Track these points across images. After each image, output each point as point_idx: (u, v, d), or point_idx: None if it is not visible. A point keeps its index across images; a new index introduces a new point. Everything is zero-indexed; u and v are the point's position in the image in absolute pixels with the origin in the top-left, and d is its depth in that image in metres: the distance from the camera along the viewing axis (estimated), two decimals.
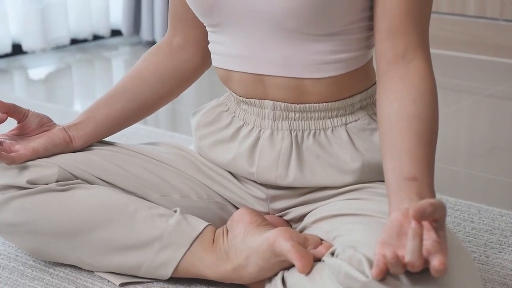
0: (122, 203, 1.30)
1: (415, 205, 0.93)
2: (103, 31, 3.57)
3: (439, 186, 1.17)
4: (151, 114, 1.47)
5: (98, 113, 1.39)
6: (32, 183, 1.31)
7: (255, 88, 1.28)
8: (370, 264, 1.00)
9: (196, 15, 1.29)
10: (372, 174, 1.27)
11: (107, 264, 1.31)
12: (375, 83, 1.30)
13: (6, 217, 1.32)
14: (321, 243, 1.20)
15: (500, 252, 1.48)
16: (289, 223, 1.35)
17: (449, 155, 2.11)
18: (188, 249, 1.27)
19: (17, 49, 3.28)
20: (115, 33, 3.64)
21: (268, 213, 1.36)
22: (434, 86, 1.16)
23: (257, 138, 1.30)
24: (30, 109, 1.37)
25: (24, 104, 1.48)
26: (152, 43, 3.46)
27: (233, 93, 1.33)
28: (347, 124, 1.28)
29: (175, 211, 1.32)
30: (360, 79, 1.28)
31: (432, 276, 0.95)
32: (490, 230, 1.57)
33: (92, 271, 1.36)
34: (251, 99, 1.30)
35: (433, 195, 1.06)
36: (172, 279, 1.31)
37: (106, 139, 1.44)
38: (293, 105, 1.27)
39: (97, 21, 3.54)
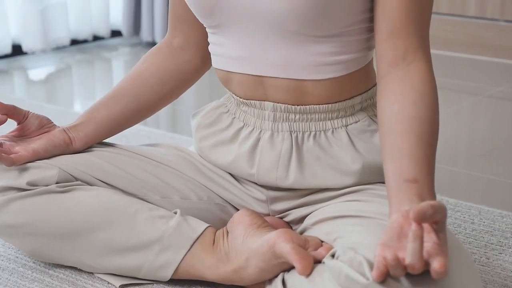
0: (122, 204, 1.30)
1: (416, 207, 0.93)
2: (103, 31, 3.57)
3: (439, 187, 1.17)
4: (151, 115, 1.47)
5: (98, 115, 1.39)
6: (32, 184, 1.31)
7: (255, 89, 1.28)
8: (371, 266, 1.00)
9: (196, 16, 1.29)
10: (373, 176, 1.27)
11: (107, 265, 1.31)
12: (376, 84, 1.30)
13: (6, 219, 1.32)
14: (322, 245, 1.20)
15: (501, 253, 1.48)
16: (289, 224, 1.35)
17: (449, 156, 2.11)
18: (188, 250, 1.27)
19: (17, 50, 3.28)
20: (115, 33, 3.64)
21: (268, 215, 1.36)
22: (434, 87, 1.16)
23: (257, 140, 1.30)
24: (30, 111, 1.37)
25: (24, 105, 1.48)
26: (152, 43, 3.46)
27: (233, 95, 1.33)
28: (347, 125, 1.28)
29: (175, 213, 1.31)
30: (361, 81, 1.28)
31: (433, 278, 0.94)
32: (491, 232, 1.57)
33: (92, 273, 1.36)
34: (251, 101, 1.30)
35: (433, 197, 1.06)
36: (172, 281, 1.31)
37: (106, 140, 1.43)
38: (293, 107, 1.27)
39: (97, 21, 3.54)
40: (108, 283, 1.33)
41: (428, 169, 1.08)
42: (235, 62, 1.27)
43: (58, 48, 3.43)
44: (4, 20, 3.19)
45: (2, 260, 1.43)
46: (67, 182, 1.32)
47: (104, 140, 1.43)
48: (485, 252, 1.48)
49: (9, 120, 1.34)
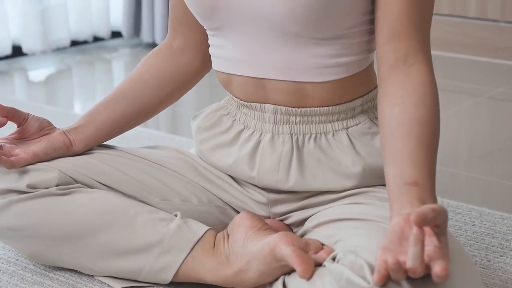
0: (122, 207, 1.30)
1: (417, 210, 0.93)
2: (103, 32, 3.57)
3: (439, 189, 1.17)
4: (151, 118, 1.47)
5: (98, 117, 1.39)
6: (32, 187, 1.30)
7: (255, 92, 1.28)
8: (372, 269, 1.00)
9: (197, 18, 1.29)
10: (373, 178, 1.27)
11: (108, 268, 1.31)
12: (376, 86, 1.30)
13: (6, 221, 1.31)
14: (322, 248, 1.19)
15: (502, 256, 1.47)
16: (290, 227, 1.35)
17: (450, 157, 2.11)
18: (189, 253, 1.27)
19: (17, 51, 3.28)
20: (115, 34, 3.64)
21: (269, 217, 1.36)
22: (435, 90, 1.16)
23: (258, 142, 1.30)
24: (30, 113, 1.37)
25: (24, 106, 1.48)
26: (153, 44, 3.46)
27: (234, 97, 1.33)
28: (348, 128, 1.28)
29: (176, 215, 1.31)
30: (361, 83, 1.28)
31: (434, 282, 0.94)
32: (492, 234, 1.57)
33: (92, 276, 1.36)
34: (251, 103, 1.29)
35: (434, 200, 1.06)
36: (172, 284, 1.30)
37: (106, 142, 1.43)
38: (294, 109, 1.26)
39: (97, 22, 3.54)
40: (109, 286, 1.33)
41: (429, 172, 1.08)
42: (236, 64, 1.27)
43: (58, 49, 3.43)
44: (4, 21, 3.19)
45: (2, 263, 1.43)
46: (67, 185, 1.32)
47: (104, 142, 1.43)
48: (486, 255, 1.48)
49: (9, 122, 1.34)
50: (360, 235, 1.12)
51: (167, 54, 1.43)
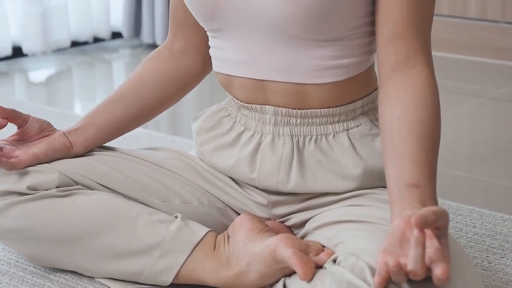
0: (122, 209, 1.30)
1: (418, 213, 0.92)
2: (104, 33, 3.57)
3: (440, 190, 1.17)
4: (152, 119, 1.46)
5: (98, 119, 1.39)
6: (33, 189, 1.30)
7: (256, 93, 1.28)
8: (372, 272, 0.99)
9: (197, 20, 1.29)
10: (374, 180, 1.27)
11: (108, 270, 1.31)
12: (377, 88, 1.29)
13: (6, 223, 1.31)
14: (323, 250, 1.19)
15: (503, 257, 1.47)
16: (290, 229, 1.35)
17: (450, 159, 2.10)
18: (189, 255, 1.26)
19: (17, 52, 3.28)
20: (116, 35, 3.64)
21: (269, 219, 1.36)
22: (436, 91, 1.15)
23: (258, 144, 1.30)
24: (30, 114, 1.37)
25: (24, 107, 1.48)
26: (153, 45, 3.46)
27: (234, 98, 1.33)
28: (348, 129, 1.28)
29: (176, 217, 1.31)
30: (362, 85, 1.28)
31: (435, 284, 0.94)
32: (492, 235, 1.56)
33: (92, 277, 1.36)
34: (252, 105, 1.29)
35: (435, 202, 1.05)
36: (173, 286, 1.30)
37: (106, 144, 1.43)
38: (294, 111, 1.26)
39: (97, 23, 3.54)
40: (109, 287, 1.33)
41: (430, 174, 1.08)
42: (236, 66, 1.27)
43: (59, 50, 3.43)
44: (4, 22, 3.19)
45: (3, 265, 1.43)
46: (68, 186, 1.32)
47: (104, 144, 1.43)
48: (487, 256, 1.47)
49: (9, 124, 1.34)
50: (361, 237, 1.12)
51: (168, 56, 1.43)
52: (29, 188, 1.30)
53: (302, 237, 1.29)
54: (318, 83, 1.23)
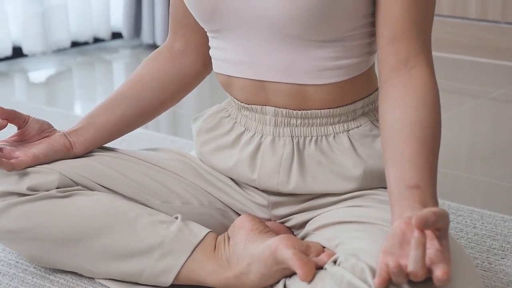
0: (122, 209, 1.30)
1: (418, 214, 0.92)
2: (104, 33, 3.56)
3: (440, 191, 1.17)
4: (152, 120, 1.46)
5: (98, 119, 1.39)
6: (33, 189, 1.30)
7: (256, 94, 1.28)
8: (373, 273, 0.99)
9: (197, 20, 1.29)
10: (374, 181, 1.27)
11: (108, 271, 1.31)
12: (377, 89, 1.29)
13: (6, 224, 1.31)
14: (323, 251, 1.19)
15: (503, 258, 1.47)
16: (290, 230, 1.35)
17: (451, 159, 2.10)
18: (189, 256, 1.26)
19: (17, 52, 3.28)
20: (116, 35, 3.64)
21: (269, 220, 1.36)
22: (436, 92, 1.15)
23: (259, 145, 1.30)
24: (30, 114, 1.37)
25: (24, 108, 1.48)
26: (153, 45, 3.46)
27: (234, 99, 1.33)
28: (349, 130, 1.28)
29: (176, 218, 1.31)
30: (362, 85, 1.28)
31: (435, 285, 0.94)
32: (493, 236, 1.56)
33: (93, 278, 1.35)
34: (252, 105, 1.29)
35: (435, 202, 1.05)
36: (173, 286, 1.30)
37: (107, 144, 1.43)
38: (294, 111, 1.26)
39: (97, 23, 3.54)
40: None
41: (430, 175, 1.08)
42: (236, 67, 1.27)
43: (59, 50, 3.43)
44: (4, 22, 3.19)
45: (3, 265, 1.42)
46: (68, 187, 1.32)
47: (104, 145, 1.43)
48: (487, 257, 1.47)
49: (9, 124, 1.34)
50: (361, 238, 1.12)
51: (168, 56, 1.43)
52: (29, 189, 1.30)
53: (303, 238, 1.29)
54: (318, 83, 1.23)
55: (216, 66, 1.32)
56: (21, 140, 1.35)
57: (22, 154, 1.32)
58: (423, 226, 0.91)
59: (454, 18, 3.26)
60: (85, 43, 3.54)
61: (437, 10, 3.23)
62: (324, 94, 1.24)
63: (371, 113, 1.29)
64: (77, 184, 1.33)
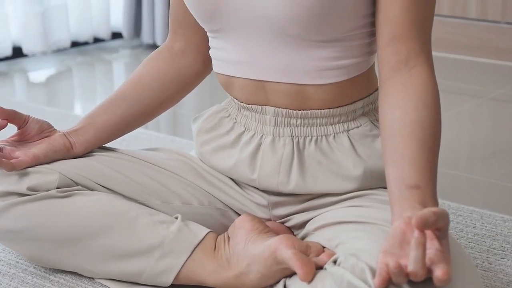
0: (122, 209, 1.30)
1: (418, 214, 0.92)
2: (104, 33, 3.56)
3: (440, 191, 1.17)
4: (152, 120, 1.46)
5: (98, 119, 1.39)
6: (33, 189, 1.30)
7: (256, 94, 1.28)
8: (373, 273, 0.99)
9: (197, 20, 1.29)
10: (374, 181, 1.27)
11: (108, 271, 1.31)
12: (377, 89, 1.29)
13: (6, 224, 1.31)
14: (323, 251, 1.19)
15: (503, 258, 1.47)
16: (290, 230, 1.35)
17: (451, 159, 2.10)
18: (189, 256, 1.26)
19: (17, 52, 3.28)
20: (116, 35, 3.64)
21: (269, 220, 1.36)
22: (436, 92, 1.15)
23: (259, 145, 1.30)
24: (30, 114, 1.37)
25: (24, 108, 1.48)
26: (153, 45, 3.46)
27: (234, 99, 1.33)
28: (349, 130, 1.28)
29: (176, 218, 1.31)
30: (362, 85, 1.28)
31: (435, 285, 0.94)
32: (493, 236, 1.56)
33: (93, 278, 1.35)
34: (252, 105, 1.29)
35: (435, 203, 1.05)
36: (173, 286, 1.30)
37: (107, 144, 1.43)
38: (294, 111, 1.26)
39: (97, 23, 3.54)
40: None
41: (430, 175, 1.08)
42: (236, 67, 1.27)
43: (59, 50, 3.43)
44: (4, 22, 3.19)
45: (3, 265, 1.42)
46: (68, 187, 1.32)
47: (104, 145, 1.42)
48: (487, 257, 1.47)
49: (9, 124, 1.34)
50: (361, 238, 1.12)
51: (168, 56, 1.43)
52: (29, 189, 1.30)
53: (303, 238, 1.29)
54: (318, 83, 1.23)
55: (216, 66, 1.32)
56: (21, 140, 1.35)
57: (22, 154, 1.32)
58: (423, 226, 0.91)
59: (454, 18, 3.26)
60: (85, 43, 3.54)
61: (437, 10, 3.23)
62: (324, 94, 1.24)
63: (371, 113, 1.29)
64: (77, 184, 1.33)
